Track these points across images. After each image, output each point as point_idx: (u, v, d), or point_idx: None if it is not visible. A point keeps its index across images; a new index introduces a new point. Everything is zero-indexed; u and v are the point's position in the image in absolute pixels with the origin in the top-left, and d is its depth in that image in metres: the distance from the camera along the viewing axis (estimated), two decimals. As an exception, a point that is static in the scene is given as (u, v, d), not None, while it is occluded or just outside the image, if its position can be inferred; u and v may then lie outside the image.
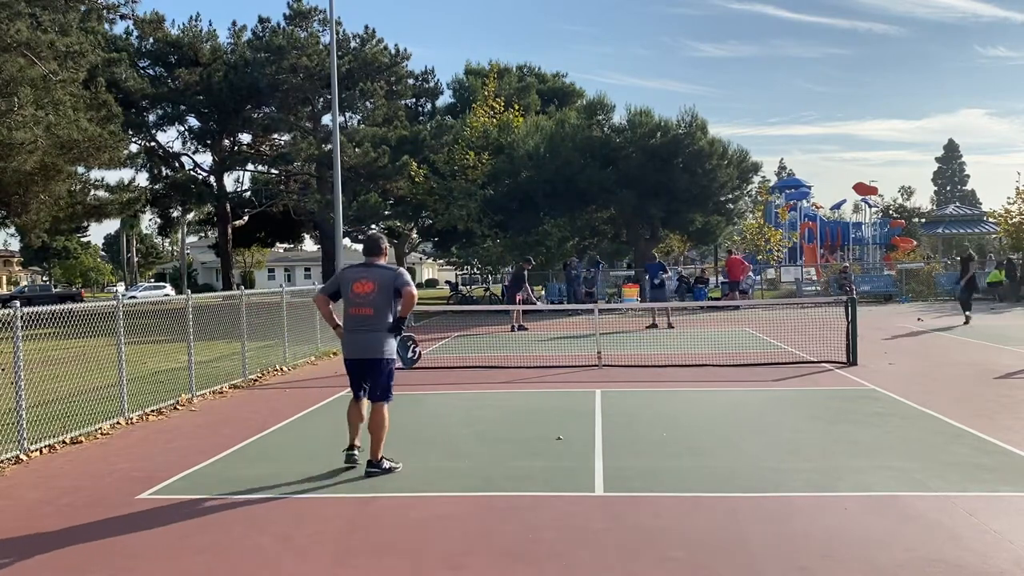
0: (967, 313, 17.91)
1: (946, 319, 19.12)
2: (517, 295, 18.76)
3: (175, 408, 9.25)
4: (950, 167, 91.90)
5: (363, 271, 6.23)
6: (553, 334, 17.46)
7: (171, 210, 45.32)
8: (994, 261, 28.22)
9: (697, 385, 10.05)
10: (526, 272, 19.32)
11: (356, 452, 6.34)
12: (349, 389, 6.43)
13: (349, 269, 6.42)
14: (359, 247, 60.29)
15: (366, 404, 6.33)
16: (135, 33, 37.01)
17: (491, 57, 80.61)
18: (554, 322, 20.83)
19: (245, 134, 41.46)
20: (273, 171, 42.44)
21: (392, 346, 6.20)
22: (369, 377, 6.20)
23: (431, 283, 74.63)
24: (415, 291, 6.25)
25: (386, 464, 6.18)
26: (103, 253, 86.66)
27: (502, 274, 31.20)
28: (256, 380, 11.34)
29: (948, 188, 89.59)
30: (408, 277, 6.26)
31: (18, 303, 7.02)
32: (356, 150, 35.31)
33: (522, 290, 18.92)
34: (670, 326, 17.73)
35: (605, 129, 28.84)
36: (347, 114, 39.75)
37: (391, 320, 6.15)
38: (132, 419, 8.51)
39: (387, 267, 6.27)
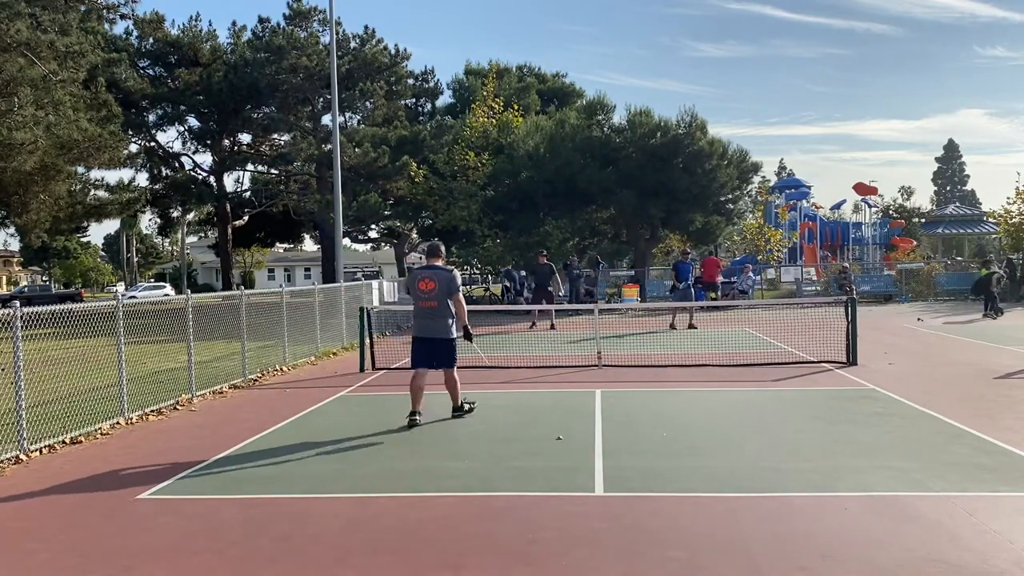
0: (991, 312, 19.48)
1: (945, 319, 19.13)
2: (550, 290, 18.90)
3: (175, 408, 9.25)
4: (950, 167, 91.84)
5: (426, 272, 7.98)
6: (554, 334, 17.45)
7: (171, 210, 45.32)
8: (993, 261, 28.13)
9: (697, 385, 10.05)
10: (547, 263, 19.39)
11: (418, 417, 7.89)
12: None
13: (415, 270, 8.27)
14: (360, 247, 60.55)
15: (428, 376, 8.08)
16: (135, 33, 37.09)
17: (491, 57, 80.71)
18: (554, 322, 20.80)
19: (245, 134, 41.47)
20: (273, 171, 42.45)
21: (452, 329, 7.99)
22: (437, 352, 7.96)
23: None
24: (463, 299, 8.10)
25: (465, 407, 8.26)
26: (103, 253, 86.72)
27: (502, 274, 31.23)
28: (256, 380, 11.34)
29: (948, 188, 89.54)
30: (459, 282, 8.08)
31: (18, 303, 7.02)
32: (356, 150, 35.33)
33: (552, 285, 19.01)
34: (673, 327, 17.65)
35: (605, 129, 28.83)
36: (347, 114, 39.77)
37: (453, 312, 7.95)
38: (132, 419, 8.51)
39: (445, 268, 8.06)
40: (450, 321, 7.93)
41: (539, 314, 19.20)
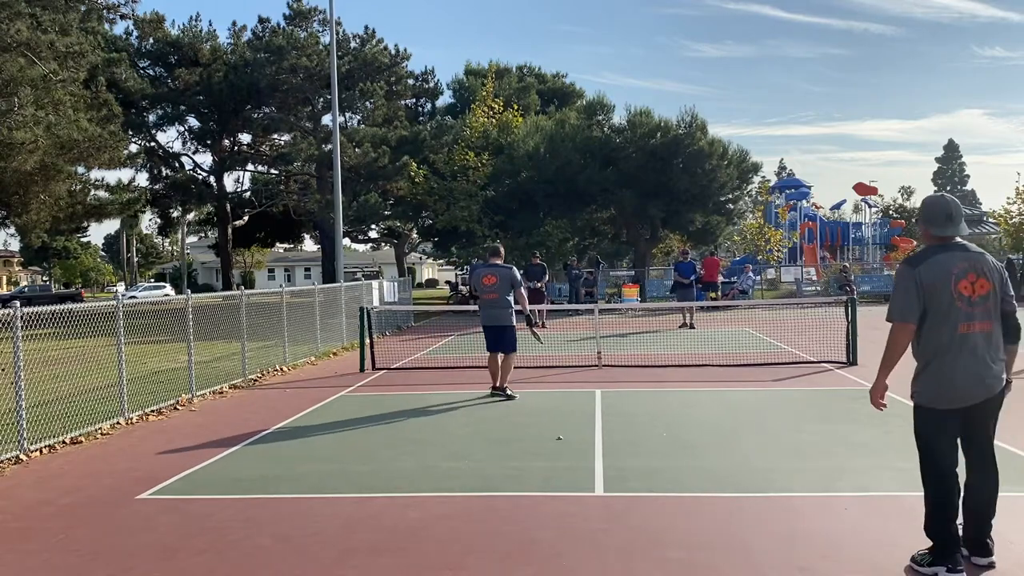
0: None
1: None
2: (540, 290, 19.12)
3: (175, 408, 9.25)
4: (950, 167, 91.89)
5: (488, 269, 9.40)
6: (554, 334, 17.44)
7: (171, 210, 45.31)
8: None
9: (697, 385, 10.05)
10: (539, 263, 19.56)
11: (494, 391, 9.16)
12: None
13: (479, 267, 9.50)
14: (359, 247, 60.58)
15: (500, 356, 9.27)
16: (135, 33, 37.03)
17: (491, 57, 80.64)
18: (555, 322, 20.81)
19: (245, 134, 41.44)
20: (273, 171, 42.43)
21: (512, 318, 9.26)
22: (499, 338, 9.21)
23: (431, 283, 74.65)
24: (524, 290, 9.54)
25: (508, 391, 9.19)
26: (103, 253, 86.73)
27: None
28: (256, 380, 11.34)
29: (948, 188, 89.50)
30: (518, 276, 9.42)
31: (18, 303, 7.02)
32: (356, 150, 35.31)
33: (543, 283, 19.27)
34: (691, 326, 17.62)
35: (605, 129, 28.85)
36: (347, 114, 39.73)
37: (512, 301, 9.25)
38: (132, 419, 8.51)
39: (504, 266, 9.43)
40: (509, 311, 9.22)
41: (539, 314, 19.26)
